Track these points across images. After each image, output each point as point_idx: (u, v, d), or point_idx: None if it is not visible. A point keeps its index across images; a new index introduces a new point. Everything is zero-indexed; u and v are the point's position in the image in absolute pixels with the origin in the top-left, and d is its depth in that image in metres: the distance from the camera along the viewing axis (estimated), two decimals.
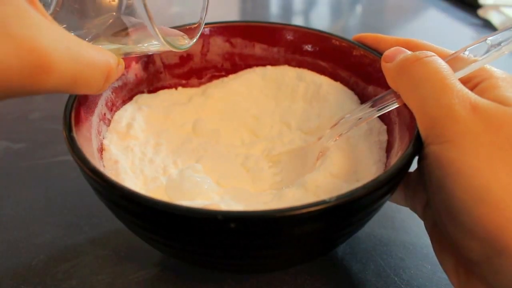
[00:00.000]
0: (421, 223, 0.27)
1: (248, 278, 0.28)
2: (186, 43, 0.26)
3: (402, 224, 0.32)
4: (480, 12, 0.66)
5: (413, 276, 0.28)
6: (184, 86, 0.35)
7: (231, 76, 0.36)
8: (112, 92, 0.30)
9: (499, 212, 0.18)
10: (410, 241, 0.31)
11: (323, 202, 0.19)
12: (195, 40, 0.26)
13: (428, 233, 0.25)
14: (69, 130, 0.23)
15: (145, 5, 0.20)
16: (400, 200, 0.28)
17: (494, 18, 0.63)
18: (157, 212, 0.19)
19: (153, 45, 0.23)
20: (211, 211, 0.19)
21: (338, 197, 0.19)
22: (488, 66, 0.24)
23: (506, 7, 0.64)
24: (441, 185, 0.21)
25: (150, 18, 0.21)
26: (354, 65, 0.32)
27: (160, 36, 0.21)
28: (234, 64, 0.36)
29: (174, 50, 0.24)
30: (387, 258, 0.29)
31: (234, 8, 0.75)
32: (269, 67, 0.35)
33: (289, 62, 0.35)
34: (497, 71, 0.24)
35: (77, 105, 0.25)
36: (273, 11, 0.75)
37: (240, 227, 0.19)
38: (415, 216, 0.27)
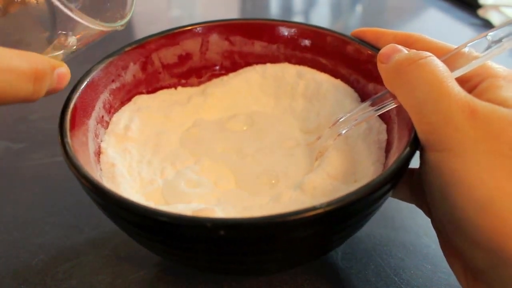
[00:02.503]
0: (421, 223, 0.27)
1: (248, 278, 0.28)
2: (119, 20, 0.24)
3: (402, 224, 0.32)
4: (480, 12, 0.65)
5: (413, 276, 0.28)
6: (183, 85, 0.35)
7: (231, 75, 0.36)
8: (110, 94, 0.30)
9: (504, 222, 0.18)
10: (410, 241, 0.31)
11: (313, 208, 0.18)
12: (128, 17, 0.25)
13: (437, 234, 0.25)
14: (63, 135, 0.23)
15: None
16: (405, 197, 0.27)
17: (494, 18, 0.63)
18: (147, 219, 0.19)
19: (89, 31, 0.22)
20: (200, 218, 0.19)
21: (329, 203, 0.19)
22: (488, 63, 0.23)
23: (506, 7, 0.64)
24: (442, 195, 0.20)
25: (62, 3, 0.20)
26: (354, 62, 0.32)
27: (75, 16, 0.21)
28: (233, 63, 0.35)
29: (105, 28, 0.23)
30: (387, 258, 0.29)
31: (234, 9, 0.75)
32: (269, 65, 0.35)
33: (289, 60, 0.35)
34: (498, 69, 0.23)
35: (73, 109, 0.25)
36: (273, 11, 0.74)
37: (228, 234, 0.19)
38: (415, 216, 0.27)
